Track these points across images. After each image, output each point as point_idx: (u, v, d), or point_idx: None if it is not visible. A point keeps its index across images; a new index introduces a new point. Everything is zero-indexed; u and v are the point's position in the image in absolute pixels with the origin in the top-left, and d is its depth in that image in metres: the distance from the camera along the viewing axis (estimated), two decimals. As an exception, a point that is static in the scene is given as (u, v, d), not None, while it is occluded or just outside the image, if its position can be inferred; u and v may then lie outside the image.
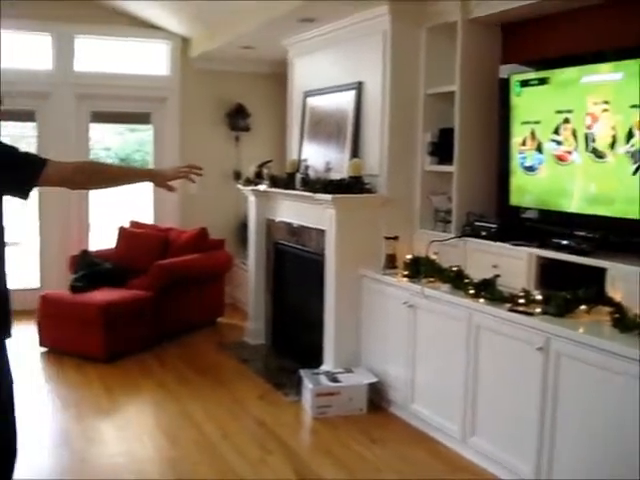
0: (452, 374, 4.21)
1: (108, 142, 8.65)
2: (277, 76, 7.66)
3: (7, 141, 2.56)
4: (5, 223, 2.53)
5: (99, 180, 2.69)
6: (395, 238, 4.97)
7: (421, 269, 4.59)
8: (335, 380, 4.89)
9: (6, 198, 2.49)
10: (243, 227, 7.46)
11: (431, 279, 4.52)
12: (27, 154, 2.48)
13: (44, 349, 6.26)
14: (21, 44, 7.41)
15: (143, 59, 8.05)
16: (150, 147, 8.14)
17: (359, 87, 5.38)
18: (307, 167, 5.72)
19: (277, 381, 5.49)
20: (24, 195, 2.48)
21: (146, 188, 7.30)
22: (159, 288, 6.40)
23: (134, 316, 6.20)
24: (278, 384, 5.42)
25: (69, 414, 4.89)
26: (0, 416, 2.56)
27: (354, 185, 5.04)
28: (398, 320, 4.68)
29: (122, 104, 7.94)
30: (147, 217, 8.02)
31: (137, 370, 5.81)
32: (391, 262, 4.96)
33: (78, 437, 4.50)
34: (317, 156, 5.87)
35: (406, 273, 4.69)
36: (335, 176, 5.35)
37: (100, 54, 7.84)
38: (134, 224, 7.63)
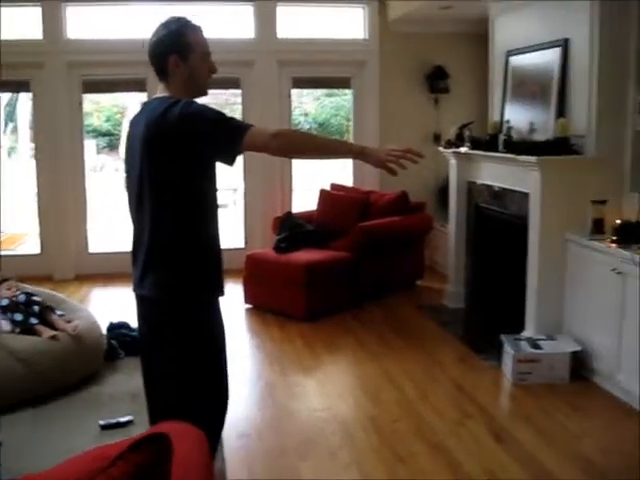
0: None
1: (306, 108, 8.84)
2: (476, 36, 7.48)
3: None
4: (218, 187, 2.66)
5: (299, 149, 2.62)
6: (603, 202, 4.74)
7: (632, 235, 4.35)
8: (537, 347, 4.78)
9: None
10: (443, 190, 7.42)
11: (643, 245, 4.28)
12: (232, 120, 2.48)
13: (248, 306, 6.58)
14: (222, 15, 7.72)
15: (341, 24, 8.14)
16: (347, 112, 8.24)
17: (565, 44, 5.15)
18: (510, 128, 5.56)
19: (476, 345, 5.46)
20: (231, 161, 2.52)
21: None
22: (360, 250, 6.50)
23: (335, 277, 6.37)
24: (477, 348, 5.39)
25: (274, 369, 5.13)
26: (222, 368, 2.72)
27: (560, 146, 4.85)
28: (605, 287, 4.48)
29: (322, 69, 8.11)
30: (347, 180, 8.16)
31: (337, 329, 5.97)
32: (598, 227, 4.73)
33: (283, 391, 4.72)
34: (520, 117, 5.71)
35: (615, 239, 4.46)
36: (539, 137, 5.20)
37: (299, 21, 8.03)
38: (334, 187, 7.79)
